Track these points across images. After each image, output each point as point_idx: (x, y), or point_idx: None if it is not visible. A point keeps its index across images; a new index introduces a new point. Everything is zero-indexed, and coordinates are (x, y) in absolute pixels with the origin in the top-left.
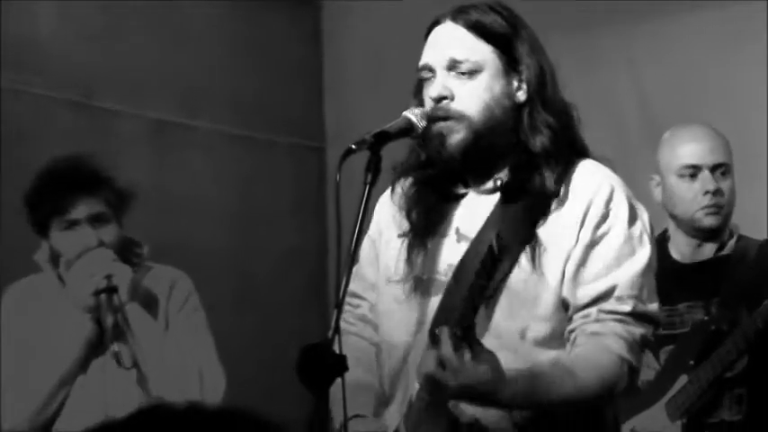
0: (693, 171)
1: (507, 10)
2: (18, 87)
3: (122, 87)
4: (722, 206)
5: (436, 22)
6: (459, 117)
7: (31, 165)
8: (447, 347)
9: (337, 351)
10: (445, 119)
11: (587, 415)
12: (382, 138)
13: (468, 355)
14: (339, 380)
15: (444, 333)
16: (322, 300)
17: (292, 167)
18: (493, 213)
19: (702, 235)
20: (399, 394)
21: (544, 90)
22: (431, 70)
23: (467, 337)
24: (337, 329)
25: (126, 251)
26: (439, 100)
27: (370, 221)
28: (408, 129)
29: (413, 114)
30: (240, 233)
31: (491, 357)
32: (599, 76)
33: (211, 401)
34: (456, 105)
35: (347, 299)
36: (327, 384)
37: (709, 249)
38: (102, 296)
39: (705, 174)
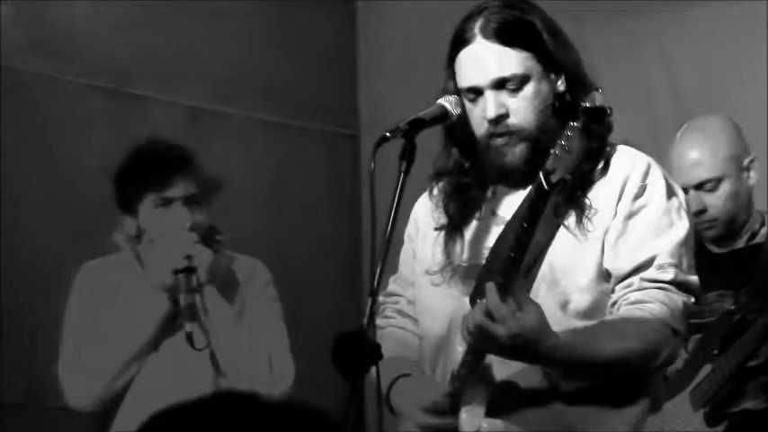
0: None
1: (526, 3)
2: (52, 74)
3: (156, 75)
4: (714, 219)
5: (465, 41)
6: (519, 131)
7: (61, 153)
8: (494, 297)
9: (371, 339)
10: (504, 135)
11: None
12: (417, 125)
13: (513, 305)
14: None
15: (490, 285)
16: (356, 288)
17: (326, 155)
18: (528, 194)
19: (715, 243)
20: (440, 367)
21: (579, 74)
22: (476, 92)
23: (511, 286)
24: (372, 317)
25: (208, 236)
26: (497, 120)
27: (404, 209)
28: (443, 116)
29: (447, 102)
30: (274, 221)
31: (536, 307)
32: (630, 65)
33: (279, 390)
34: (513, 120)
35: (384, 300)
36: (363, 372)
37: (742, 238)
38: (181, 276)
39: (690, 194)
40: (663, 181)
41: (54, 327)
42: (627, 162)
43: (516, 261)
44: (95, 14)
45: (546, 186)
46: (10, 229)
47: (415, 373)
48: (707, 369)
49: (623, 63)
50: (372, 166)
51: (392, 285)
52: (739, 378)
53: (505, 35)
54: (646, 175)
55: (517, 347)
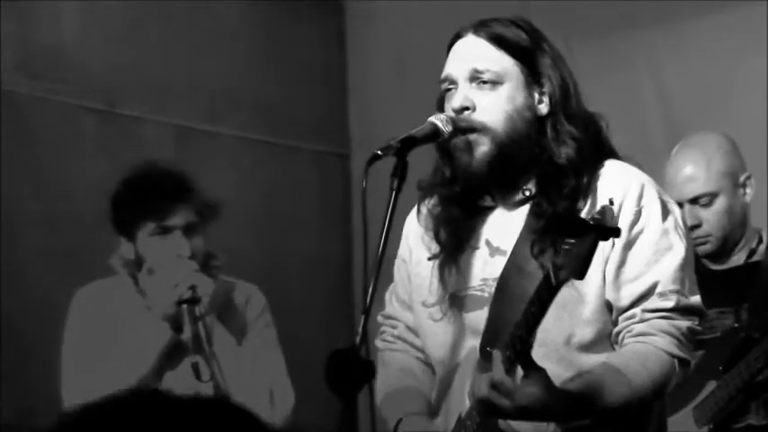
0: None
1: (528, 24)
2: (42, 95)
3: (146, 94)
4: (708, 235)
5: (458, 36)
6: (482, 129)
7: (53, 173)
8: (499, 370)
9: (364, 357)
10: (468, 130)
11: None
12: (408, 143)
13: (521, 376)
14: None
15: (496, 356)
16: (347, 306)
17: (317, 174)
18: (526, 226)
19: (709, 259)
20: (444, 409)
21: (567, 102)
22: (453, 82)
23: (521, 357)
24: (365, 335)
25: (206, 263)
26: (461, 110)
27: (396, 227)
28: (434, 134)
29: (438, 120)
30: (265, 240)
31: (542, 376)
32: (620, 79)
33: (280, 419)
34: (478, 116)
35: (383, 321)
36: (356, 390)
37: (739, 256)
38: (185, 306)
39: (685, 208)
40: (657, 201)
41: (47, 346)
42: (621, 184)
43: (524, 341)
44: (85, 35)
45: (554, 282)
46: (1, 248)
47: (420, 406)
48: (711, 385)
49: (613, 77)
50: (364, 184)
51: (389, 307)
52: (745, 395)
53: (497, 37)
54: (640, 198)
55: (524, 417)
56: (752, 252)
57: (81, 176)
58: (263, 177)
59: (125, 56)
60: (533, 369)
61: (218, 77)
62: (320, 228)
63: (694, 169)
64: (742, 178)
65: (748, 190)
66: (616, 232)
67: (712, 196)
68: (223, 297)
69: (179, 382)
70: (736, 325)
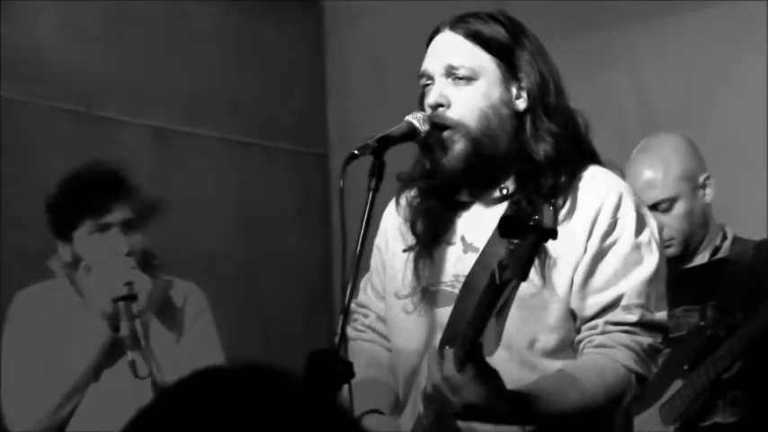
0: None
1: (509, 19)
2: (20, 98)
3: (124, 96)
4: (671, 239)
5: (436, 31)
6: (456, 125)
7: (32, 175)
8: (450, 367)
9: (344, 357)
10: (444, 127)
11: (597, 419)
12: (385, 142)
13: (471, 374)
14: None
15: (448, 353)
16: (327, 306)
17: (295, 174)
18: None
19: (674, 261)
20: (411, 402)
21: (546, 98)
22: (429, 78)
23: (471, 357)
24: (344, 335)
25: (145, 261)
26: (435, 107)
27: (374, 227)
28: (411, 133)
29: (415, 119)
30: (244, 240)
31: (492, 376)
32: (599, 78)
33: None
34: (452, 112)
35: (355, 308)
36: (335, 390)
37: (703, 255)
38: (121, 303)
39: None
40: (634, 214)
41: None
42: (599, 192)
43: (473, 341)
44: (62, 37)
45: (498, 281)
46: None
47: (385, 401)
48: (677, 384)
49: (593, 76)
50: (342, 183)
51: (363, 295)
52: (711, 394)
53: (473, 33)
54: (617, 208)
55: (472, 415)
56: (716, 249)
57: (59, 178)
58: (241, 178)
59: (102, 58)
60: (484, 369)
61: (195, 79)
62: (299, 228)
63: (653, 174)
64: (701, 179)
65: (708, 190)
66: (553, 234)
67: (671, 201)
68: (161, 294)
69: (117, 379)
70: (702, 323)
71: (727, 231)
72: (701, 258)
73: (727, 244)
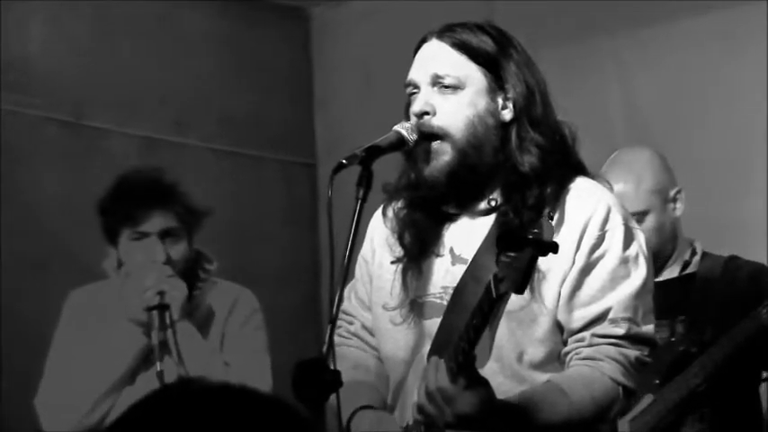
0: None
1: (497, 30)
2: (8, 108)
3: (112, 106)
4: None
5: (423, 41)
6: (443, 135)
7: (20, 184)
8: (442, 377)
9: (332, 366)
10: (431, 137)
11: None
12: (373, 152)
13: (463, 385)
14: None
15: (441, 364)
16: (315, 316)
17: (283, 184)
18: (488, 236)
19: None
20: (398, 409)
21: (532, 109)
22: (415, 86)
23: (463, 368)
24: (331, 345)
25: (194, 266)
26: (421, 115)
27: (362, 237)
28: (400, 143)
29: (403, 128)
30: (232, 251)
31: (484, 387)
32: (588, 85)
33: None
34: (438, 121)
35: (340, 316)
36: (323, 399)
37: (672, 269)
38: (154, 312)
39: None
40: (621, 228)
41: (12, 357)
42: (587, 205)
43: (466, 353)
44: (51, 47)
45: (494, 294)
46: None
47: (374, 401)
48: (648, 398)
49: (581, 84)
50: (329, 193)
51: (347, 303)
52: (682, 409)
53: (460, 42)
54: (605, 222)
55: (464, 426)
56: (686, 264)
57: (48, 188)
58: (229, 188)
59: (91, 67)
60: (476, 380)
61: (184, 89)
62: (287, 237)
63: (624, 187)
64: (672, 193)
65: (678, 204)
66: (553, 248)
67: (642, 215)
68: (202, 301)
69: (153, 384)
70: (672, 339)
71: (696, 246)
72: (670, 273)
73: (696, 259)
